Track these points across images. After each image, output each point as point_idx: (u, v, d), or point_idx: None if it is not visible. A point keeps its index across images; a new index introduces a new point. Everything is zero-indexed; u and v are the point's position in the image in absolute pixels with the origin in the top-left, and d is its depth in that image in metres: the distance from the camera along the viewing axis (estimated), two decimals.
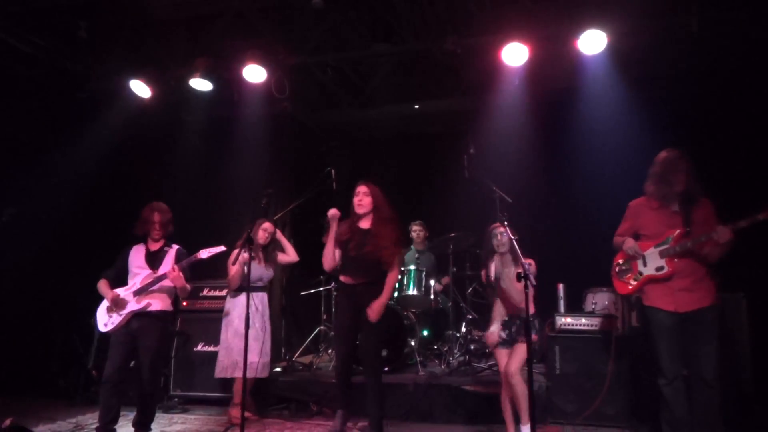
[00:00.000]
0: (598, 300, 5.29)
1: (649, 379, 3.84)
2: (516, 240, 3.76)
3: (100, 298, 4.41)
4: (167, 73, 6.06)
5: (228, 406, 5.42)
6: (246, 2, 5.74)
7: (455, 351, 5.96)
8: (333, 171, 6.12)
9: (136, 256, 4.48)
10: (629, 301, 4.95)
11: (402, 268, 6.26)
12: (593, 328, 4.83)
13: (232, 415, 4.87)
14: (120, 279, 4.46)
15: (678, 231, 3.69)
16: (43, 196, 6.21)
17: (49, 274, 6.29)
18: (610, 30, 5.02)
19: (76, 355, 5.95)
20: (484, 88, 6.47)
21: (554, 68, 5.91)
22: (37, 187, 6.24)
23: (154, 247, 4.52)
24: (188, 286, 4.44)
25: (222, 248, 4.41)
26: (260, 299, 5.11)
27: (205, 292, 5.81)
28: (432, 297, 6.16)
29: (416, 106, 7.46)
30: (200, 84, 5.91)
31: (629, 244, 3.84)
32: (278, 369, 5.92)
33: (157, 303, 4.38)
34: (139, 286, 4.35)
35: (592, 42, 5.08)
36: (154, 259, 4.47)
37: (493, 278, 4.12)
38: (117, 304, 4.31)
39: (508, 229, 3.88)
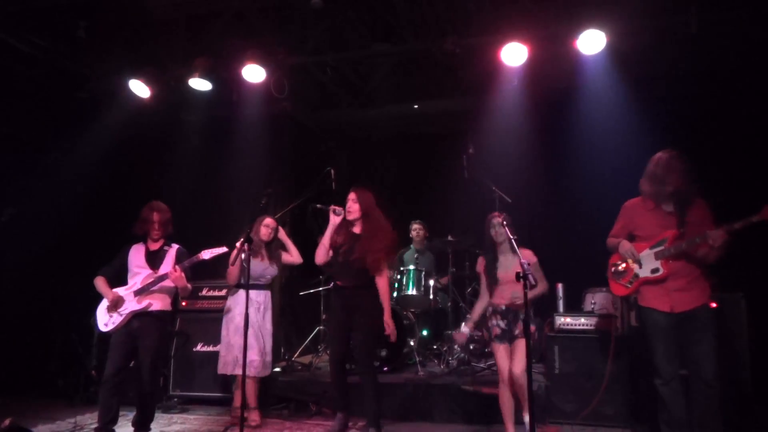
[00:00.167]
0: (598, 300, 5.29)
1: (648, 379, 3.83)
2: (515, 240, 3.77)
3: (100, 298, 4.41)
4: (166, 73, 6.06)
5: (228, 405, 5.44)
6: (245, 2, 5.75)
7: (454, 351, 5.96)
8: (332, 171, 6.12)
9: (136, 255, 4.47)
10: (628, 300, 4.94)
11: (401, 268, 6.29)
12: (592, 327, 4.83)
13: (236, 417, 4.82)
14: (118, 277, 4.46)
15: (672, 232, 3.69)
16: (42, 196, 6.22)
17: (48, 274, 6.29)
18: (610, 30, 5.01)
19: (75, 355, 5.94)
20: (484, 88, 6.48)
21: (553, 68, 5.92)
22: (37, 187, 6.25)
23: (154, 246, 4.52)
24: (189, 286, 4.45)
25: (224, 249, 4.41)
26: (263, 297, 5.08)
27: (204, 292, 5.81)
28: (431, 297, 6.16)
29: (416, 106, 7.47)
30: (199, 84, 5.91)
31: (625, 247, 3.83)
32: (278, 369, 5.91)
33: (158, 303, 4.38)
34: (139, 286, 4.35)
35: (592, 42, 5.08)
36: (154, 259, 4.46)
37: (485, 270, 4.22)
38: (117, 304, 4.31)
39: (507, 229, 3.89)
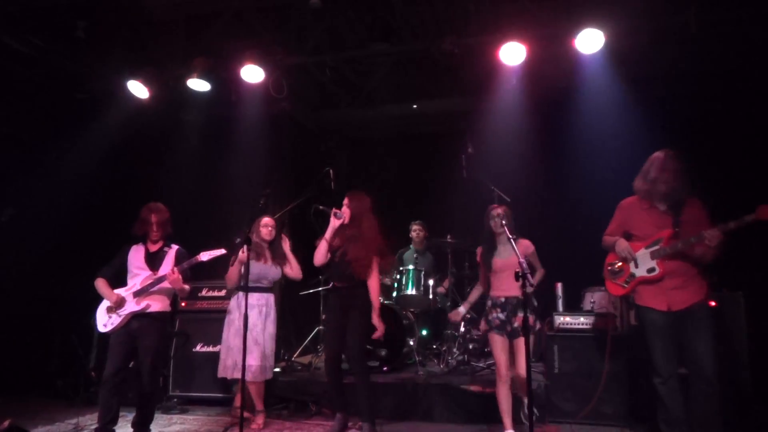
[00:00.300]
0: (597, 299, 5.30)
1: (647, 378, 3.84)
2: (514, 239, 3.79)
3: (100, 299, 4.41)
4: (165, 74, 6.06)
5: (227, 406, 5.44)
6: (244, 2, 5.74)
7: (454, 350, 5.96)
8: (331, 171, 6.12)
9: (136, 256, 4.47)
10: (628, 299, 4.94)
11: (401, 268, 6.29)
12: (592, 327, 4.83)
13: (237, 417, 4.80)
14: (117, 278, 4.46)
15: (668, 232, 3.69)
16: (42, 196, 6.22)
17: (48, 274, 6.29)
18: (608, 29, 5.02)
19: (75, 356, 5.94)
20: (483, 87, 6.47)
21: (552, 68, 5.91)
22: (37, 187, 6.25)
23: (154, 247, 4.52)
24: (187, 288, 4.46)
25: (222, 251, 4.41)
26: (264, 300, 4.96)
27: (204, 293, 5.81)
28: (431, 297, 6.16)
29: (415, 106, 7.48)
30: (198, 84, 5.91)
31: (622, 245, 3.84)
32: (277, 369, 5.90)
33: (157, 304, 4.38)
34: (139, 287, 4.35)
35: (590, 41, 5.09)
36: (153, 260, 4.46)
37: (482, 259, 4.32)
38: (119, 305, 4.31)
39: (507, 229, 3.93)
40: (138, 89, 6.02)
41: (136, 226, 4.48)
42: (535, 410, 4.38)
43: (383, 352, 5.71)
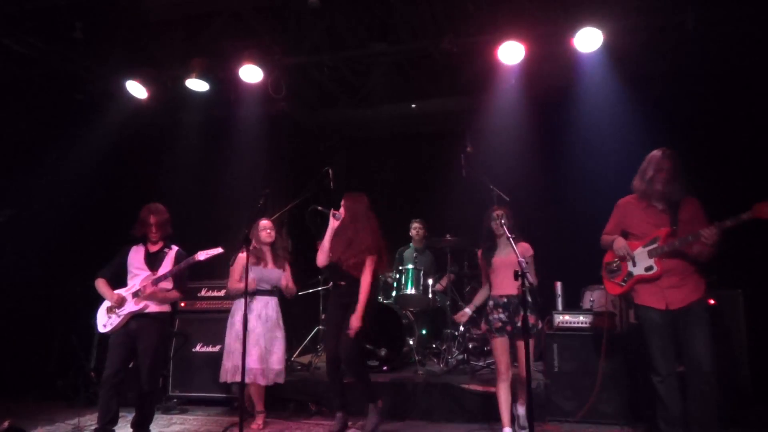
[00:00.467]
0: (596, 297, 5.31)
1: (646, 377, 3.84)
2: (513, 238, 3.80)
3: (100, 299, 4.41)
4: (164, 74, 6.06)
5: (227, 406, 5.44)
6: (242, 2, 5.74)
7: (454, 350, 5.96)
8: (330, 170, 6.12)
9: (135, 257, 4.47)
10: (626, 298, 4.95)
11: (400, 267, 6.29)
12: (591, 325, 4.83)
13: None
14: (117, 278, 4.45)
15: (665, 230, 3.69)
16: (42, 196, 6.21)
17: (48, 275, 6.29)
18: (606, 28, 5.02)
19: (75, 356, 5.94)
20: (481, 87, 6.48)
21: (551, 67, 5.93)
22: (36, 187, 6.24)
23: (154, 248, 4.51)
24: (172, 295, 4.47)
25: (219, 250, 4.39)
26: (264, 304, 4.87)
27: (203, 293, 5.80)
28: (430, 296, 6.16)
29: (413, 106, 7.48)
30: (197, 84, 5.91)
31: (620, 244, 3.84)
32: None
33: (155, 304, 4.38)
34: (138, 288, 4.35)
35: (589, 40, 5.10)
36: (153, 261, 4.46)
37: (482, 258, 4.36)
38: (119, 305, 4.31)
39: (506, 228, 3.97)
40: (137, 89, 6.02)
41: (135, 227, 4.48)
42: (524, 416, 4.41)
43: (383, 352, 5.72)
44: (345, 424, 4.54)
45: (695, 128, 5.96)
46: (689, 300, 3.63)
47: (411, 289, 6.08)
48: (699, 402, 3.57)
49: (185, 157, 6.90)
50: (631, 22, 5.14)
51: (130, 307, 4.30)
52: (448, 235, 6.20)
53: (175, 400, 5.56)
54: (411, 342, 5.86)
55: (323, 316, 6.49)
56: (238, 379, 4.61)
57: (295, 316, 7.04)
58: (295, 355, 6.30)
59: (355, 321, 4.37)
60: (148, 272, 4.39)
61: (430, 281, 6.20)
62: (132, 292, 4.35)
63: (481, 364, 5.74)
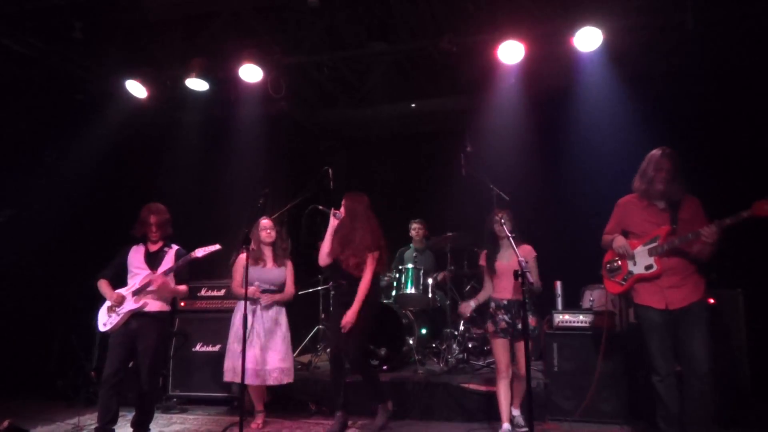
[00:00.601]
0: (596, 297, 5.31)
1: (645, 376, 3.85)
2: (512, 237, 3.82)
3: (100, 299, 4.41)
4: (163, 74, 6.06)
5: (227, 405, 5.44)
6: (242, 2, 5.73)
7: (453, 349, 5.97)
8: (330, 170, 6.12)
9: (136, 256, 4.48)
10: (626, 297, 4.96)
11: (400, 267, 6.29)
12: (591, 325, 4.83)
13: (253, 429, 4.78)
14: (118, 278, 4.46)
15: (665, 229, 3.69)
16: (42, 196, 6.21)
17: (48, 275, 6.29)
18: (606, 27, 5.02)
19: (75, 356, 5.94)
20: (481, 86, 6.48)
21: (550, 66, 5.92)
22: (36, 187, 6.24)
23: (154, 247, 4.52)
24: (181, 288, 4.48)
25: (217, 247, 4.40)
26: (264, 304, 4.84)
27: (202, 293, 5.80)
28: (430, 296, 6.16)
29: (413, 105, 7.48)
30: (196, 84, 5.91)
31: (620, 242, 3.84)
32: None
33: (155, 303, 4.38)
34: (138, 286, 4.36)
35: (588, 39, 5.09)
36: (153, 260, 4.46)
37: (486, 261, 4.41)
38: (118, 304, 4.32)
39: (505, 227, 4.03)
40: (136, 89, 6.02)
41: (135, 227, 4.49)
42: (521, 414, 4.44)
43: (383, 351, 5.72)
44: (345, 423, 4.55)
45: (695, 128, 5.97)
46: (689, 300, 3.63)
47: (411, 288, 6.08)
48: (695, 401, 3.58)
49: (185, 157, 6.90)
50: (631, 21, 5.14)
51: (130, 305, 4.31)
52: (447, 235, 6.20)
53: (174, 400, 5.56)
54: (411, 341, 5.85)
55: (323, 316, 6.50)
56: (235, 379, 4.64)
57: (295, 315, 7.03)
58: (294, 355, 6.29)
59: (350, 316, 4.42)
60: (148, 271, 4.40)
61: (430, 281, 6.19)
62: (132, 291, 4.35)
63: (480, 363, 5.74)
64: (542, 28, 5.27)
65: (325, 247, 4.66)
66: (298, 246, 5.66)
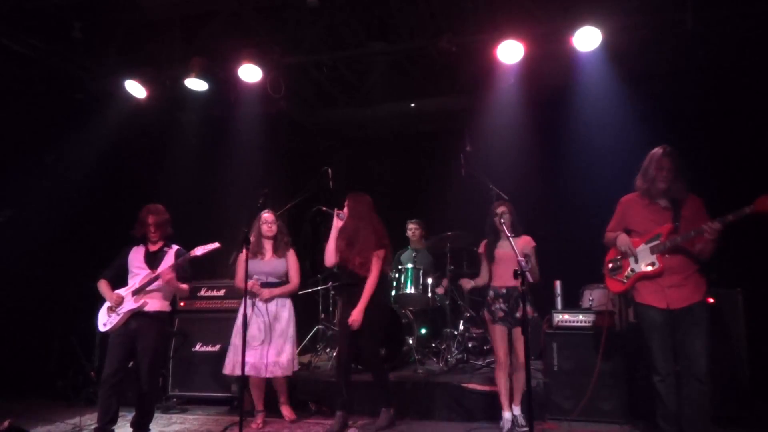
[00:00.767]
0: (595, 296, 5.31)
1: (645, 375, 3.85)
2: (512, 237, 3.83)
3: (99, 299, 4.41)
4: (162, 73, 6.05)
5: (227, 405, 5.44)
6: (241, 2, 5.73)
7: (453, 349, 5.97)
8: (329, 170, 6.12)
9: (136, 256, 4.49)
10: (626, 296, 4.96)
11: (399, 267, 6.29)
12: (590, 324, 4.84)
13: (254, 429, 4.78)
14: (119, 279, 4.47)
15: (667, 227, 3.70)
16: (41, 196, 6.20)
17: (48, 275, 6.28)
18: (605, 27, 5.02)
19: (74, 356, 5.94)
20: (480, 85, 6.48)
21: (550, 65, 5.92)
22: (36, 188, 6.23)
23: (154, 248, 4.53)
24: (184, 287, 4.47)
25: (216, 245, 4.40)
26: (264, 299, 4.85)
27: (202, 292, 5.80)
28: (430, 295, 6.16)
29: (412, 105, 7.48)
30: (196, 84, 5.91)
31: (622, 240, 3.84)
32: None
33: (155, 303, 4.39)
34: (137, 286, 4.36)
35: (587, 39, 5.09)
36: (153, 260, 4.47)
37: (486, 249, 4.53)
38: (117, 304, 4.32)
39: (506, 227, 4.07)
40: (136, 89, 6.02)
41: (135, 228, 4.49)
42: (521, 415, 4.45)
43: (382, 351, 5.71)
44: (345, 423, 4.55)
45: (694, 127, 5.97)
46: (690, 301, 3.63)
47: (410, 288, 6.08)
48: (693, 401, 3.58)
49: (184, 157, 6.90)
50: (630, 21, 5.13)
51: (129, 305, 4.31)
52: (447, 234, 6.20)
53: (174, 400, 5.56)
54: (410, 341, 5.86)
55: (322, 316, 6.51)
56: (234, 372, 4.68)
57: (295, 315, 7.05)
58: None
59: (357, 314, 4.46)
60: (148, 271, 4.41)
61: (430, 280, 6.19)
62: (131, 291, 4.35)
63: (480, 363, 5.74)
64: (541, 28, 5.27)
65: (330, 247, 4.70)
66: (297, 245, 5.64)
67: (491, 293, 4.47)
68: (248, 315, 4.62)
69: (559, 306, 5.33)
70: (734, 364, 4.52)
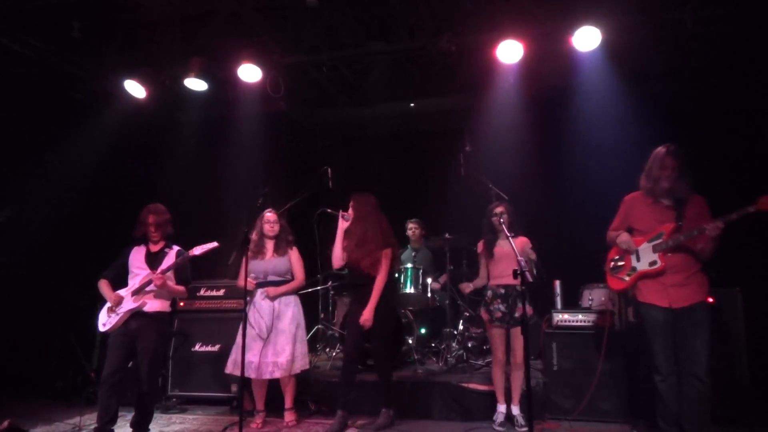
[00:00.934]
0: (595, 296, 5.30)
1: (645, 374, 3.85)
2: (511, 237, 3.83)
3: (99, 299, 4.41)
4: (162, 73, 6.06)
5: (226, 405, 5.44)
6: (241, 2, 5.73)
7: (453, 349, 5.97)
8: (329, 170, 6.12)
9: (136, 257, 4.48)
10: (626, 296, 4.96)
11: (399, 267, 6.29)
12: (590, 324, 4.84)
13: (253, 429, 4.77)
14: (120, 279, 4.46)
15: (670, 225, 3.70)
16: (40, 197, 6.20)
17: (47, 275, 6.28)
18: (605, 26, 5.03)
19: (74, 356, 5.94)
20: (480, 85, 6.48)
21: (549, 65, 5.92)
22: (35, 188, 6.23)
23: (155, 248, 4.52)
24: (180, 289, 4.48)
25: (215, 244, 4.38)
26: (265, 296, 4.83)
27: (202, 292, 5.79)
28: (429, 295, 6.16)
29: (412, 104, 7.48)
30: (195, 84, 5.91)
31: (624, 237, 3.85)
32: None
33: (155, 303, 4.38)
34: (137, 286, 4.36)
35: (587, 39, 5.10)
36: (154, 260, 4.46)
37: (484, 248, 4.58)
38: (117, 304, 4.32)
39: (505, 227, 4.10)
40: (135, 89, 6.02)
41: (136, 228, 4.49)
42: (521, 414, 4.47)
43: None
44: (345, 423, 4.55)
45: (694, 126, 5.97)
46: (693, 300, 3.63)
47: (410, 288, 6.08)
48: (693, 401, 3.59)
49: (184, 157, 6.90)
50: (629, 20, 5.13)
51: (129, 305, 4.31)
52: (446, 234, 6.20)
53: (174, 400, 5.56)
54: (410, 341, 5.86)
55: (322, 316, 6.51)
56: (234, 372, 4.67)
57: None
58: None
59: (368, 313, 4.49)
60: (148, 271, 4.40)
61: (429, 280, 6.19)
62: (131, 291, 4.35)
63: (480, 363, 5.74)
64: (541, 28, 5.27)
65: (337, 249, 4.71)
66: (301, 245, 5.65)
67: (489, 293, 4.50)
68: (250, 315, 4.62)
69: (559, 306, 5.32)
70: (734, 364, 4.52)
